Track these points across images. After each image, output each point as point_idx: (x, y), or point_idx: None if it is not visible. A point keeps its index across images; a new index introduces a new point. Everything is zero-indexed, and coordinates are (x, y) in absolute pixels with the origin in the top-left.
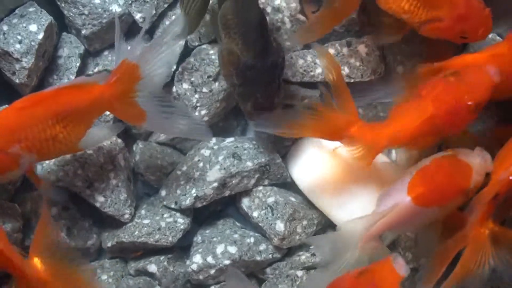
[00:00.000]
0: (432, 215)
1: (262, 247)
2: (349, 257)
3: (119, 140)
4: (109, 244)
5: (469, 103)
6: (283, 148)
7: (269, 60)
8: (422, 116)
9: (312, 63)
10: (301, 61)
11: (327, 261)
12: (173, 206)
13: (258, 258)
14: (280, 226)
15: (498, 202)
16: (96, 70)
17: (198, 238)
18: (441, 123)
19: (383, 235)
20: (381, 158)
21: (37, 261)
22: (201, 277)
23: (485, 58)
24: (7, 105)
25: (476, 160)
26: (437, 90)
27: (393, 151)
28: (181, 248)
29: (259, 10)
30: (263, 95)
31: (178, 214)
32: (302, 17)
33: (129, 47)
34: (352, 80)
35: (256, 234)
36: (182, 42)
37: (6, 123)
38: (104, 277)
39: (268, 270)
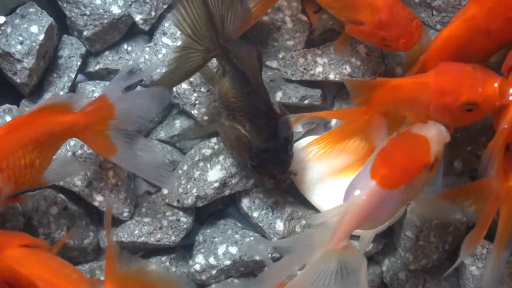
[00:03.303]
0: (400, 197)
1: (261, 246)
2: (319, 259)
3: None
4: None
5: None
6: None
7: (282, 139)
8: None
9: (312, 62)
10: (301, 60)
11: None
12: (175, 204)
13: (257, 258)
14: (279, 225)
15: None
16: (97, 68)
17: (200, 238)
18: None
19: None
20: None
21: None
22: (203, 277)
23: (460, 27)
24: (7, 104)
25: (432, 132)
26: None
27: None
28: (184, 248)
29: (266, 92)
30: (280, 171)
31: (181, 213)
32: (303, 17)
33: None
34: (353, 79)
35: (256, 234)
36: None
37: None
38: (103, 278)
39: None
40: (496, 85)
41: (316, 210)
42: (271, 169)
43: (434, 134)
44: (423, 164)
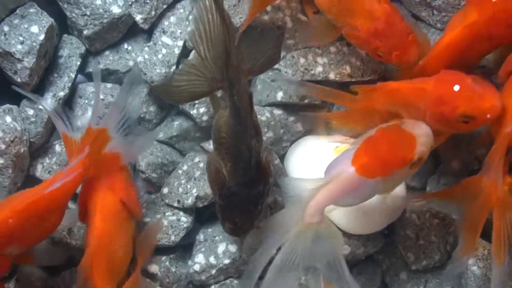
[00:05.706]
0: (375, 187)
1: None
2: (295, 236)
3: None
4: None
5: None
6: (282, 149)
7: (255, 191)
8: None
9: (313, 62)
10: (302, 60)
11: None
12: (176, 204)
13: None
14: None
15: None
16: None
17: (200, 237)
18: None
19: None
20: None
21: None
22: (203, 277)
23: (461, 33)
24: (7, 104)
25: (421, 131)
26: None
27: None
28: (183, 247)
29: (252, 139)
30: (242, 220)
31: (181, 213)
32: (303, 17)
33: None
34: (353, 79)
35: None
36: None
37: (5, 227)
38: None
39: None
40: (494, 100)
41: None
42: (234, 215)
43: (423, 135)
44: (405, 160)
